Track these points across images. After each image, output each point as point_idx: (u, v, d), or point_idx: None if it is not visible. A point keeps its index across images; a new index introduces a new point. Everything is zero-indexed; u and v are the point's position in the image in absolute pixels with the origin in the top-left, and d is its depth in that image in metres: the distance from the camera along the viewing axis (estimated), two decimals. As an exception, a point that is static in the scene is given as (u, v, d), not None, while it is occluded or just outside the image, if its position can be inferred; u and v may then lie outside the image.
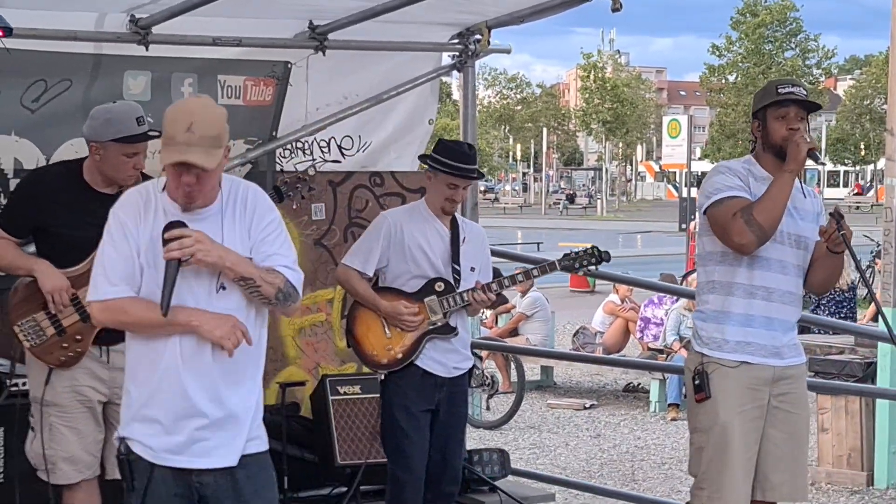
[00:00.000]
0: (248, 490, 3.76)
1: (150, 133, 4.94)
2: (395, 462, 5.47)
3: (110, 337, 4.69)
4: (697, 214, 5.03)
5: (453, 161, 5.39)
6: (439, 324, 5.45)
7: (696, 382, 4.66)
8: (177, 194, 3.67)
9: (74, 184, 4.97)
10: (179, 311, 3.63)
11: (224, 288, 3.69)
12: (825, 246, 4.67)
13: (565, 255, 5.61)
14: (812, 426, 9.07)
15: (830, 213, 4.83)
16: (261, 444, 3.84)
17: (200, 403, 3.69)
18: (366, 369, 5.85)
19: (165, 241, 3.59)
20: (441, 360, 5.48)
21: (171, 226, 3.62)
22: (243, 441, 3.76)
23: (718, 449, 4.61)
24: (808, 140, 4.61)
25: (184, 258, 3.57)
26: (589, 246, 5.67)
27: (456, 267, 5.48)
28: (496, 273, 5.73)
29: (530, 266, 5.78)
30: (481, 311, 5.92)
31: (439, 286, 5.45)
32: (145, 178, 4.85)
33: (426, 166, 5.55)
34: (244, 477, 3.75)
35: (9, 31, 5.09)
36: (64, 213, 4.89)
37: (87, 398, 4.94)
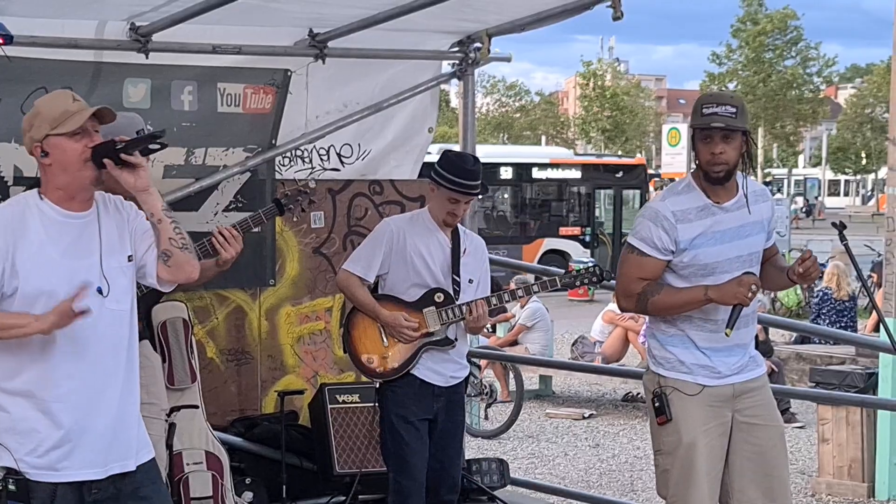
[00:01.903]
0: None
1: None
2: (397, 471, 5.43)
3: None
4: None
5: (455, 176, 5.34)
6: (437, 336, 5.43)
7: (657, 405, 4.57)
8: (81, 167, 3.63)
9: None
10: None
11: (101, 292, 3.59)
12: (788, 273, 4.55)
13: (566, 272, 5.63)
14: (812, 436, 9.09)
15: (833, 224, 4.78)
16: None
17: None
18: (365, 378, 5.84)
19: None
20: (438, 370, 5.45)
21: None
22: None
23: (684, 470, 4.54)
24: (749, 296, 4.37)
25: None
26: (591, 265, 5.69)
27: (456, 278, 5.45)
28: (495, 286, 5.71)
29: (531, 282, 5.79)
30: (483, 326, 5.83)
31: (439, 297, 5.42)
32: None
33: (428, 179, 5.53)
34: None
35: (9, 39, 5.10)
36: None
37: None
